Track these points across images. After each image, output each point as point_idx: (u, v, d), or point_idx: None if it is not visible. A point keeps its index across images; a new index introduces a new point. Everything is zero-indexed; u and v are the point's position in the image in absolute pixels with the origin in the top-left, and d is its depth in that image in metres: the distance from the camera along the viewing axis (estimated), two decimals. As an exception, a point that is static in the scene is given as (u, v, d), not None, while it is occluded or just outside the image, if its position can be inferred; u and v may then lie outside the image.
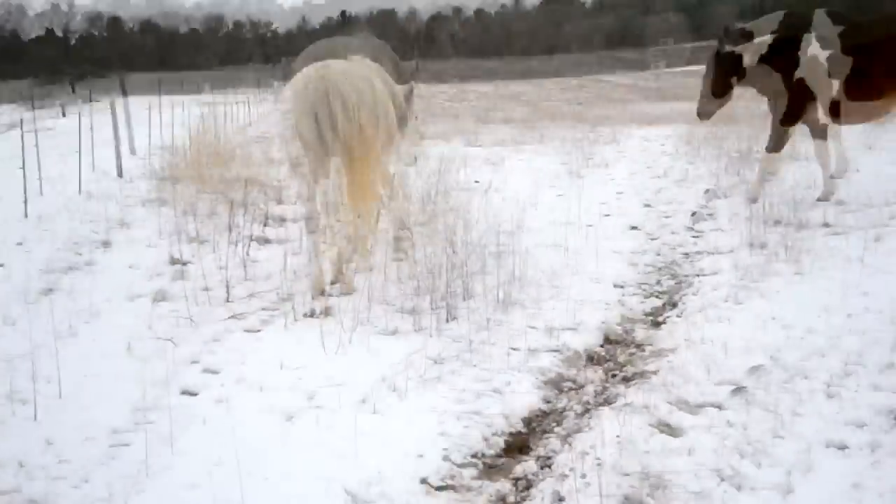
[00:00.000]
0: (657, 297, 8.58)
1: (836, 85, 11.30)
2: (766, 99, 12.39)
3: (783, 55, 11.54)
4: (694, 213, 12.10)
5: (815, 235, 9.95)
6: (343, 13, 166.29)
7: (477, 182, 15.47)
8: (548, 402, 5.99)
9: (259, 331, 7.61)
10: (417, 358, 6.61)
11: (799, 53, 11.45)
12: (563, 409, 5.89)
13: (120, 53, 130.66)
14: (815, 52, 11.37)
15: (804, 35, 11.45)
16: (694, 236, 10.99)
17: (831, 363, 6.06)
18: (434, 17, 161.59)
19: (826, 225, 10.45)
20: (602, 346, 7.16)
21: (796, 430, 5.08)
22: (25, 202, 13.67)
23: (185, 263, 10.01)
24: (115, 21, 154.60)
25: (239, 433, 5.30)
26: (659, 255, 10.21)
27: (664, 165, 17.52)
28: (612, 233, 11.25)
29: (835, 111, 11.46)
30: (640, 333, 7.43)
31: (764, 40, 11.63)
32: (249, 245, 10.12)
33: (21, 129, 15.88)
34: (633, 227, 11.73)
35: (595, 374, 6.54)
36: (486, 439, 5.34)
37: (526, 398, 5.94)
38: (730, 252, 9.66)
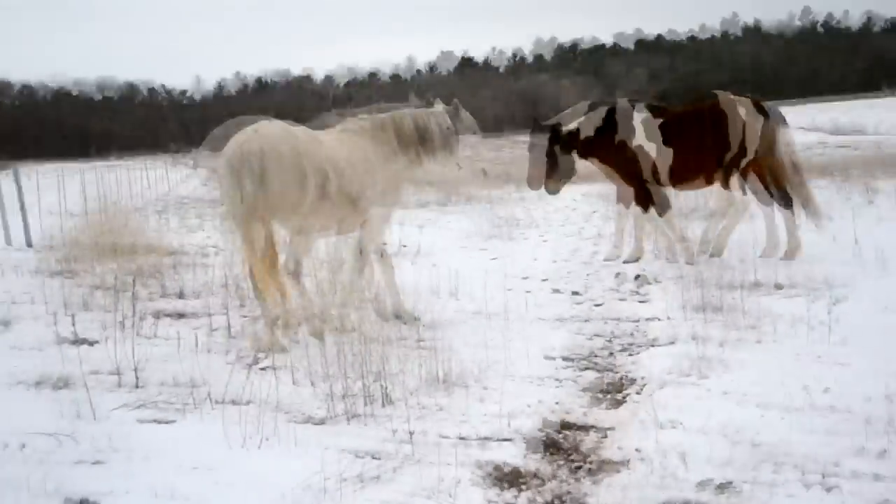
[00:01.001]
0: (611, 370, 7.81)
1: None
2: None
3: (611, 129, 12.56)
4: (638, 276, 11.46)
5: (770, 298, 9.40)
6: (259, 80, 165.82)
7: (405, 246, 14.78)
8: (507, 504, 5.17)
9: (172, 421, 6.70)
10: (352, 453, 5.78)
11: (633, 122, 12.40)
12: (527, 514, 5.09)
13: (34, 121, 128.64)
14: (642, 126, 12.41)
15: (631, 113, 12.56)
16: (641, 301, 10.33)
17: (819, 448, 5.37)
18: (351, 82, 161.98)
19: (779, 287, 9.90)
20: (559, 431, 6.33)
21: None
22: None
23: (91, 343, 9.09)
24: (26, 89, 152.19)
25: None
26: (606, 323, 9.47)
27: (597, 226, 16.99)
28: (552, 299, 10.58)
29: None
30: (601, 415, 6.63)
31: (598, 113, 12.76)
32: (157, 321, 9.20)
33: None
34: (575, 292, 11.03)
35: (555, 467, 5.71)
36: (439, 557, 4.52)
37: (480, 500, 5.13)
38: (682, 318, 9.02)
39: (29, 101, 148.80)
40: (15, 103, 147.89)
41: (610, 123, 12.63)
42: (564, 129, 12.90)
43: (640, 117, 12.43)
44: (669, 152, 12.18)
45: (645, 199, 12.61)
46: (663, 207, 12.54)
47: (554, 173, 12.91)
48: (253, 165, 8.21)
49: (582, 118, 12.97)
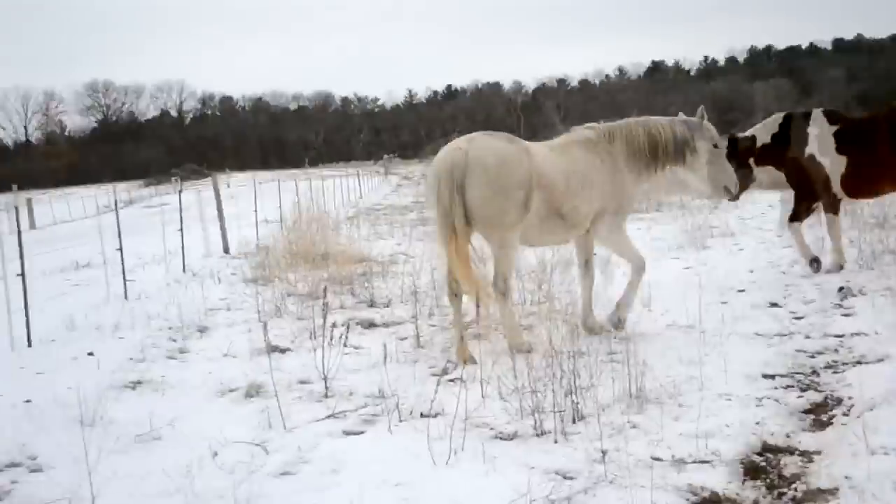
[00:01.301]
0: (815, 389, 7.35)
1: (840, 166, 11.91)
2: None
3: (790, 138, 12.30)
4: (842, 289, 10.85)
5: None
6: (448, 87, 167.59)
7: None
8: (706, 533, 4.90)
9: (361, 433, 6.68)
10: (542, 472, 5.61)
11: (808, 130, 12.12)
12: (727, 544, 4.80)
13: (232, 130, 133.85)
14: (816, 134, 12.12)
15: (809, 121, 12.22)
16: (845, 314, 9.78)
17: None
18: (539, 89, 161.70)
19: None
20: (760, 453, 5.99)
21: None
22: (125, 282, 13.20)
23: (283, 351, 9.27)
24: (226, 100, 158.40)
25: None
26: (808, 338, 8.97)
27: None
28: (749, 312, 10.10)
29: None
30: (804, 438, 6.24)
31: (775, 119, 12.68)
32: (347, 331, 9.22)
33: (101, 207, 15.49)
34: (773, 304, 10.54)
35: (758, 493, 5.39)
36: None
37: (678, 527, 4.87)
38: (891, 334, 8.47)
39: (228, 112, 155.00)
40: (216, 114, 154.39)
41: (784, 131, 12.33)
42: (740, 135, 12.72)
43: (814, 125, 12.07)
44: (843, 161, 11.76)
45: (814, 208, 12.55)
46: (797, 216, 12.38)
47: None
48: (455, 176, 8.34)
49: (759, 125, 12.83)
